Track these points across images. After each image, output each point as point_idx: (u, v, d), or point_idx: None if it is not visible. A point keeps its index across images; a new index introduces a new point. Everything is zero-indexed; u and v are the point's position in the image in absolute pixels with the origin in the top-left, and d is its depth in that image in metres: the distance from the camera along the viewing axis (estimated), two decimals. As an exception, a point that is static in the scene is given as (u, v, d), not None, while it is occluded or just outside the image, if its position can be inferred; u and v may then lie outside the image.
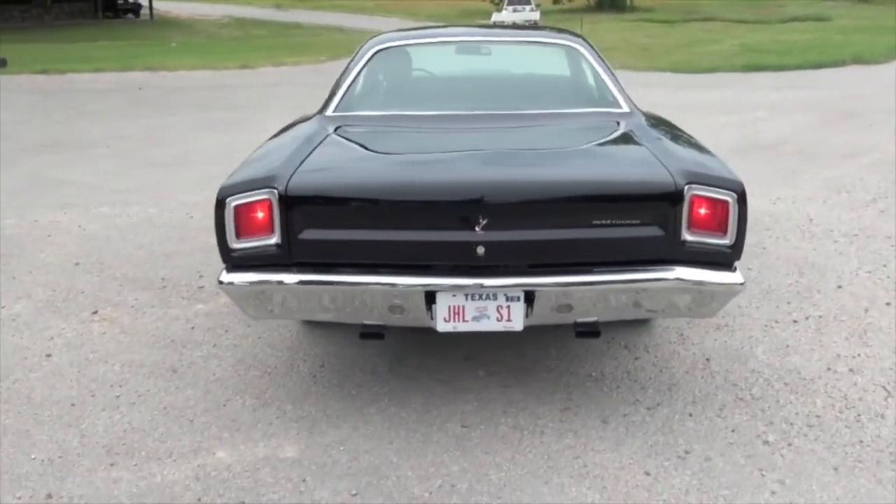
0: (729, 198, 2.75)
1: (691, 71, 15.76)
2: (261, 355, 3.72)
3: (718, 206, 2.76)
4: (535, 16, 35.44)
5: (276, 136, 3.62)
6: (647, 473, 2.80)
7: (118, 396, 3.37)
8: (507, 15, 35.79)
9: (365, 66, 3.98)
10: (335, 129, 3.50)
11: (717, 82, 14.01)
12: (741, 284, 2.81)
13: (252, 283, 2.81)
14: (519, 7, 36.35)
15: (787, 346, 3.76)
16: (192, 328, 4.01)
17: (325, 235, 2.82)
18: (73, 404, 3.30)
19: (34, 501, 2.69)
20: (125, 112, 11.24)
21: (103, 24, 38.08)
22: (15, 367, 3.60)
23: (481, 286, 2.76)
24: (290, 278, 2.76)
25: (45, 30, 33.49)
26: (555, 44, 4.14)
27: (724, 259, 2.81)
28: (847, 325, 3.96)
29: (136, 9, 44.65)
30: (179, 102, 11.98)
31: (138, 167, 7.65)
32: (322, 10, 52.19)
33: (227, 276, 2.86)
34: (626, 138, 3.30)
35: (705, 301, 2.84)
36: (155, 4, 47.88)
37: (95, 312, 4.20)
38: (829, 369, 3.53)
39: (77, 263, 4.92)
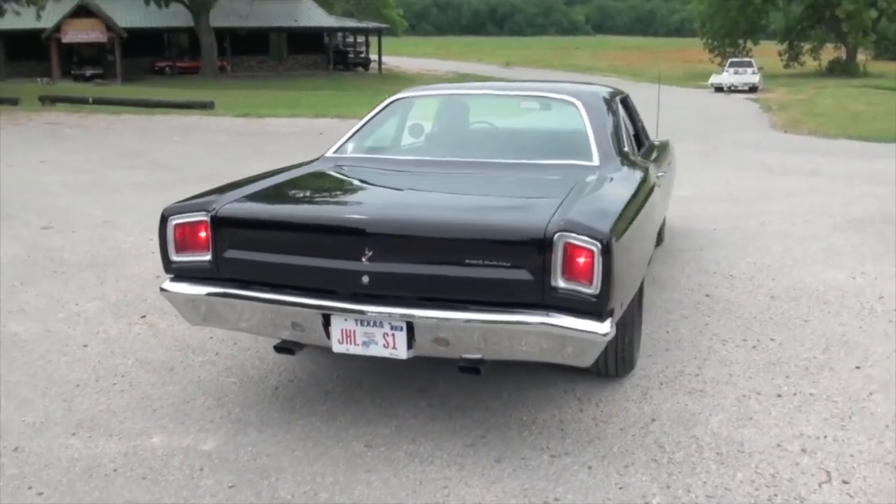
0: (593, 247, 2.80)
1: (881, 140, 14.57)
2: (247, 365, 4.16)
3: (585, 255, 2.82)
4: (756, 79, 34.14)
5: (272, 169, 4.10)
6: (500, 512, 2.88)
7: (114, 384, 3.94)
8: (727, 77, 34.82)
9: (378, 113, 4.38)
10: (319, 169, 3.92)
11: (899, 152, 12.90)
12: (604, 335, 2.83)
13: (179, 293, 3.27)
14: (740, 69, 35.24)
15: (751, 419, 3.59)
16: (210, 338, 4.53)
17: (244, 256, 3.22)
18: (77, 385, 3.92)
19: (5, 449, 3.29)
20: (293, 154, 12.33)
21: (332, 76, 41.59)
22: (53, 350, 4.32)
23: (363, 312, 3.02)
24: (200, 290, 3.19)
25: (276, 79, 37.25)
26: (555, 99, 4.30)
27: (591, 308, 2.85)
28: (836, 407, 3.71)
29: (365, 63, 48.28)
30: (345, 147, 13.01)
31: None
32: (550, 68, 53.84)
33: (167, 285, 3.34)
34: (557, 189, 3.39)
35: (570, 348, 2.90)
36: (388, 60, 51.65)
37: (144, 317, 4.87)
38: (778, 446, 3.35)
39: (158, 276, 5.67)
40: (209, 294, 3.20)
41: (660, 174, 4.78)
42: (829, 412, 3.65)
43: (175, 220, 3.29)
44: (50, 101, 20.87)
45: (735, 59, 37.72)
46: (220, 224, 3.22)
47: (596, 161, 3.84)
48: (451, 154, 4.05)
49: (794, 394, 3.84)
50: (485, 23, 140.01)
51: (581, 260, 2.83)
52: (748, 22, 43.70)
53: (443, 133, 4.46)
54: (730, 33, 44.04)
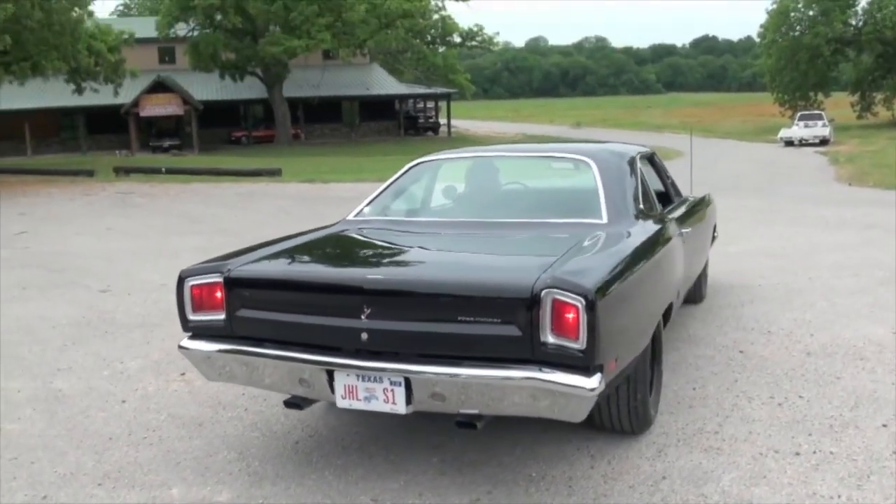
0: (578, 303, 2.86)
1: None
2: (272, 421, 4.30)
3: (571, 311, 2.88)
4: (826, 131, 33.54)
5: (293, 233, 4.29)
6: (494, 566, 2.90)
7: (145, 438, 4.13)
8: (796, 131, 34.34)
9: (398, 178, 4.56)
10: (335, 231, 4.10)
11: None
12: (591, 389, 2.86)
13: (195, 350, 3.45)
14: (810, 122, 34.71)
15: (764, 478, 3.54)
16: (242, 394, 4.70)
17: (255, 315, 3.39)
18: (110, 438, 4.12)
19: (35, 497, 3.50)
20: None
21: (403, 141, 42.50)
22: (93, 406, 4.55)
23: (362, 368, 3.13)
24: (214, 347, 3.35)
25: (348, 145, 38.38)
26: (569, 158, 4.41)
27: (579, 362, 2.90)
28: (855, 466, 3.61)
29: (435, 127, 49.36)
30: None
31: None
32: (621, 127, 53.95)
33: (185, 342, 3.53)
34: (558, 247, 3.47)
35: (560, 403, 2.93)
36: (459, 123, 52.60)
37: (183, 374, 5.08)
38: (788, 506, 3.30)
39: (202, 335, 5.92)
40: (220, 351, 3.37)
41: (685, 230, 4.80)
42: (846, 471, 3.56)
43: (191, 282, 3.49)
44: (124, 171, 22.02)
45: (805, 112, 37.17)
46: (232, 285, 3.41)
47: (604, 219, 3.90)
48: (465, 215, 4.19)
49: (814, 452, 3.76)
50: (556, 85, 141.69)
51: (568, 316, 2.89)
52: (818, 74, 43.17)
53: (458, 195, 4.61)
54: (800, 87, 43.57)
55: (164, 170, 21.78)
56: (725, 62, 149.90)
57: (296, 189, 17.92)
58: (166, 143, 38.35)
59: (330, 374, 3.25)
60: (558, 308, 2.91)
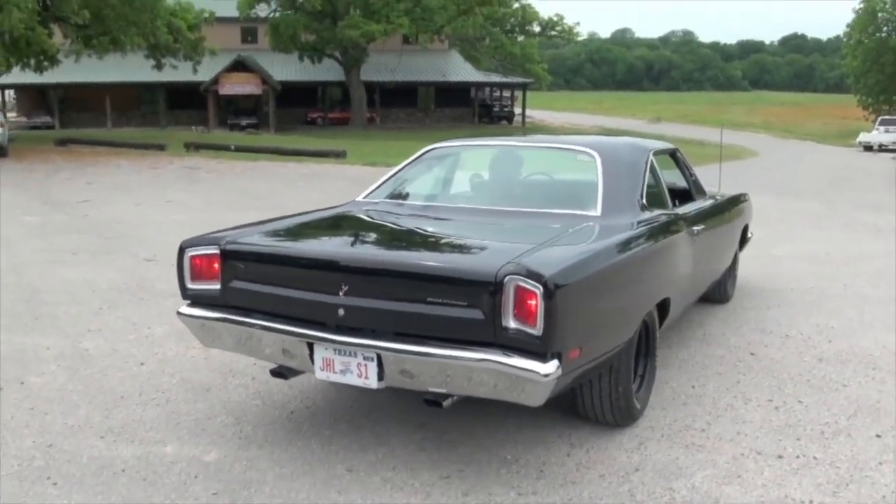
0: (536, 290, 2.93)
1: None
2: (274, 391, 4.50)
3: (530, 297, 2.94)
4: (907, 137, 32.33)
5: (302, 211, 4.46)
6: (446, 540, 3.01)
7: (153, 398, 4.37)
8: (875, 135, 33.27)
9: (410, 163, 4.69)
10: (340, 212, 4.25)
11: None
12: (545, 375, 2.93)
13: (190, 316, 3.65)
14: (891, 127, 33.50)
15: (739, 477, 3.55)
16: (254, 364, 4.91)
17: (247, 286, 3.57)
18: (121, 397, 4.38)
19: (41, 444, 3.77)
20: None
21: (476, 128, 42.60)
22: (112, 366, 4.83)
23: (337, 342, 3.27)
24: (203, 314, 3.55)
25: (422, 130, 38.68)
26: (574, 150, 4.44)
27: (536, 348, 2.96)
28: (837, 473, 3.58)
29: (509, 116, 49.28)
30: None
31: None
32: (702, 124, 52.88)
33: (182, 309, 3.74)
34: (540, 235, 3.54)
35: (516, 386, 3.01)
36: (536, 113, 52.35)
37: (203, 341, 5.33)
38: (757, 506, 3.31)
39: (229, 306, 6.17)
40: (209, 318, 3.56)
41: (696, 228, 4.78)
42: (826, 478, 3.54)
43: (191, 252, 3.69)
44: (195, 147, 22.76)
45: (886, 117, 35.97)
46: (227, 257, 3.59)
47: (598, 212, 3.94)
48: (466, 202, 4.29)
49: (798, 456, 3.74)
50: (640, 78, 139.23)
51: (529, 302, 2.96)
52: (903, 78, 41.59)
53: (463, 181, 4.71)
54: (885, 89, 42.06)
55: (232, 147, 22.43)
56: (813, 61, 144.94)
57: (357, 171, 18.24)
58: (244, 122, 39.34)
59: (310, 347, 3.40)
60: (520, 294, 2.98)
